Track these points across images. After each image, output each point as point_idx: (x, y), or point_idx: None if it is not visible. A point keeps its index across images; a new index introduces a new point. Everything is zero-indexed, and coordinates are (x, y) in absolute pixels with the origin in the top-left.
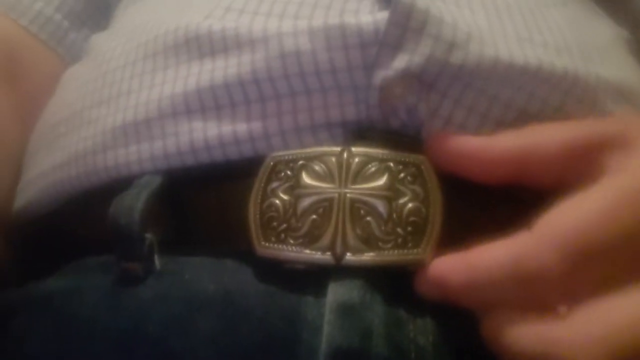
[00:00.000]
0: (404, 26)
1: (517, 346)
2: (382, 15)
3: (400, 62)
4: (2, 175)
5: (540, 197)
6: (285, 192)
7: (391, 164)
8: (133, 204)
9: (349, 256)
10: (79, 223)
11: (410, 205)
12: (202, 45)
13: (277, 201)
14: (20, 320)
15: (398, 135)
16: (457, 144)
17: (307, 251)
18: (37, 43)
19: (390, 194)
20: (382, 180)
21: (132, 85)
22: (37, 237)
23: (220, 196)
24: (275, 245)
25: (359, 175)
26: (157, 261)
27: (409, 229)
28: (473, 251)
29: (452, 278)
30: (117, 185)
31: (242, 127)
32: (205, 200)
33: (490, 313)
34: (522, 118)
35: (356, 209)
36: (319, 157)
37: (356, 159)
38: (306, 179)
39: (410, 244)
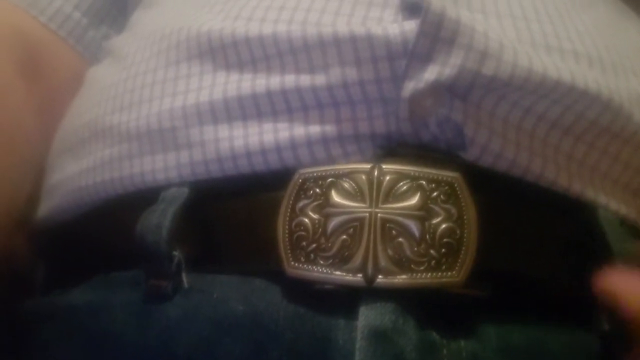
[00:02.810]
0: (435, 37)
1: None
2: (410, 26)
3: (431, 73)
4: (25, 174)
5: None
6: (314, 211)
7: (423, 182)
8: (161, 222)
9: (380, 278)
10: (104, 232)
11: (443, 225)
12: (228, 55)
13: (306, 220)
14: (46, 331)
15: (429, 150)
16: None
17: (338, 273)
18: (56, 40)
19: (423, 213)
20: (414, 200)
21: (154, 92)
22: (62, 244)
23: (248, 212)
24: (305, 265)
25: (391, 194)
26: (185, 279)
27: (443, 250)
28: None
29: None
30: (143, 196)
31: (268, 137)
32: (233, 216)
33: None
34: (555, 130)
35: (388, 230)
36: (348, 175)
37: (387, 177)
38: (336, 197)
39: (444, 266)
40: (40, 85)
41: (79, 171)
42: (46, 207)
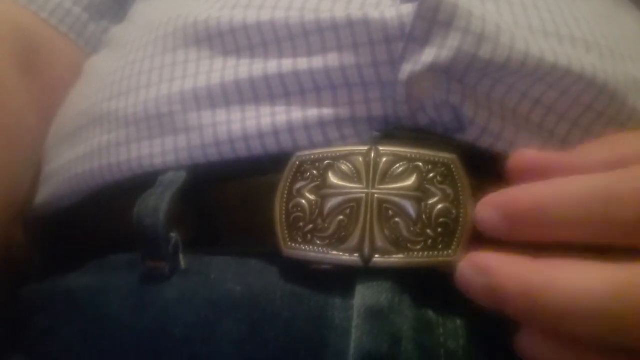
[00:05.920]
0: (432, 20)
1: None
2: (407, 9)
3: (428, 56)
4: (25, 169)
5: None
6: (311, 192)
7: (420, 164)
8: (158, 205)
9: (377, 258)
10: (100, 218)
11: (440, 206)
12: (226, 42)
13: (303, 201)
14: (43, 317)
15: (426, 133)
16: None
17: (334, 252)
18: (57, 35)
19: (419, 194)
20: (410, 180)
21: (152, 78)
22: (59, 231)
23: (245, 195)
24: (302, 245)
25: (387, 175)
26: (183, 260)
27: (439, 230)
28: None
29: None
30: (140, 181)
31: (265, 121)
32: (230, 198)
33: None
34: (551, 115)
35: (384, 210)
36: (345, 157)
37: (384, 159)
38: (333, 178)
39: (440, 246)
40: (40, 80)
41: (76, 158)
42: (43, 195)
